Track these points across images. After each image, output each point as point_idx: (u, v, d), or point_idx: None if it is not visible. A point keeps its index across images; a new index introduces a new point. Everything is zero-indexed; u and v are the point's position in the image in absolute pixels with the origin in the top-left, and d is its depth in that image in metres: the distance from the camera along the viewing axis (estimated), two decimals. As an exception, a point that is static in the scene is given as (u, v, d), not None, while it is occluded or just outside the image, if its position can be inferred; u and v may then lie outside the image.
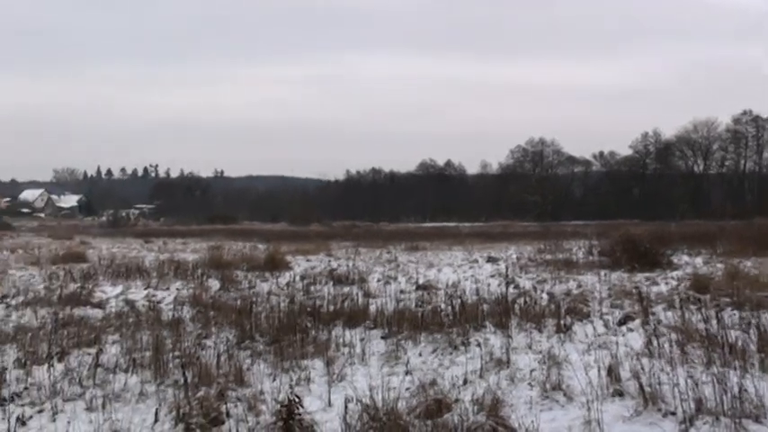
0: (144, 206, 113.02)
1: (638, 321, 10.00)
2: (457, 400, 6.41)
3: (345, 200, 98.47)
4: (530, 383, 7.10)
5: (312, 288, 15.15)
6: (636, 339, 8.75)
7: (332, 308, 11.58)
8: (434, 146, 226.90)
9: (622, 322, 10.13)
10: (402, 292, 14.38)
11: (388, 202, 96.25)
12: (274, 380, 7.48)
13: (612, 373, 6.95)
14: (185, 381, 6.83)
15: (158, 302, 13.08)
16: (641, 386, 6.29)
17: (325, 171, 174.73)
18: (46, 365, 7.64)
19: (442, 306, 11.42)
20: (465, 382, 7.20)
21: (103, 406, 6.52)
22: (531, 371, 7.52)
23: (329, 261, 22.82)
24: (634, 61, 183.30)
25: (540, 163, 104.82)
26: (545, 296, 13.01)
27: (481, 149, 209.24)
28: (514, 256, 23.37)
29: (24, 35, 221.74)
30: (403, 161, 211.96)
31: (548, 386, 6.84)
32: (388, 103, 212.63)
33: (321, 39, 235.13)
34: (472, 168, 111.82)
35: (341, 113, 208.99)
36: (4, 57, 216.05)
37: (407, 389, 6.88)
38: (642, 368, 6.80)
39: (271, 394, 6.82)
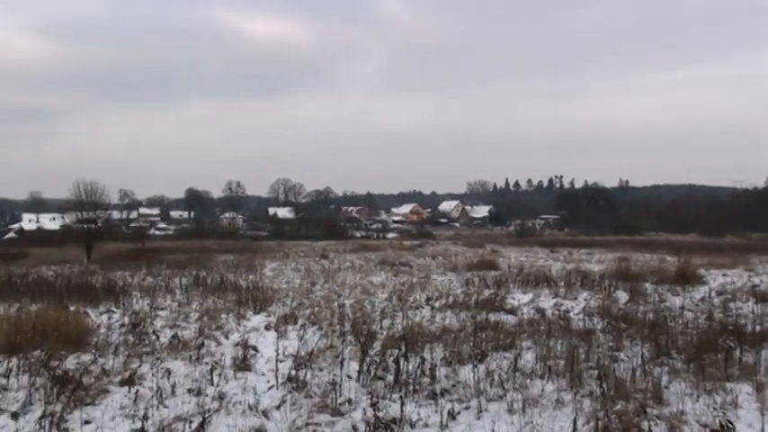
0: (548, 216, 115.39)
1: None
2: None
3: (765, 209, 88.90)
4: None
5: (731, 305, 14.01)
6: None
7: (757, 328, 10.59)
8: None
9: None
10: None
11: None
12: (696, 400, 7.05)
13: None
14: (602, 393, 6.79)
15: (567, 312, 13.22)
16: None
17: (741, 178, 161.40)
18: (469, 365, 8.21)
19: None
20: None
21: (523, 410, 6.76)
22: None
23: (749, 276, 20.88)
24: None
25: None
26: None
27: None
28: None
29: (431, 58, 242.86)
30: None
31: None
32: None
33: (736, 37, 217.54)
34: None
35: (758, 115, 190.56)
36: (420, 83, 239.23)
37: None
38: None
39: (693, 416, 6.45)
